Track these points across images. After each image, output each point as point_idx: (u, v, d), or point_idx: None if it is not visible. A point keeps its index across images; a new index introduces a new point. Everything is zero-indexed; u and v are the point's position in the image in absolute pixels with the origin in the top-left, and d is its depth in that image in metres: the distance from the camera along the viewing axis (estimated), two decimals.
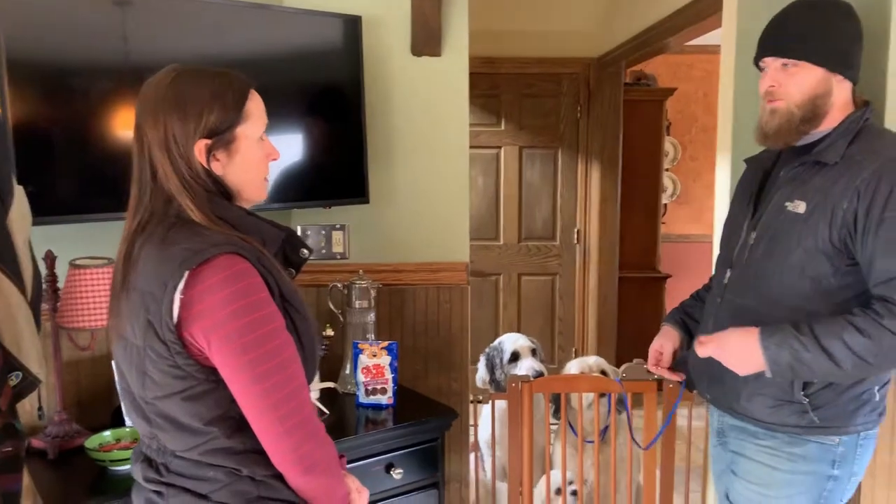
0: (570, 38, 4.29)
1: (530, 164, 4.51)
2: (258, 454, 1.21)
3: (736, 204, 1.76)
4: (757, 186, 1.67)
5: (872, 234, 1.42)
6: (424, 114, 2.48)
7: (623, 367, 2.31)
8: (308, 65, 2.26)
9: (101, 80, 1.87)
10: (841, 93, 1.53)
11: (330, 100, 2.32)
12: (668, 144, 5.73)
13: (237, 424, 1.20)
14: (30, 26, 1.76)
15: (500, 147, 4.48)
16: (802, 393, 1.52)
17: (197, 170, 1.22)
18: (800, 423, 1.54)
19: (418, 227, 2.52)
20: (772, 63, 1.56)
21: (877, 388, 1.54)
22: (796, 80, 1.52)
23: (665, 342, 1.86)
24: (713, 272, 1.84)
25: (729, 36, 2.51)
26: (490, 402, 2.67)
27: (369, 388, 2.14)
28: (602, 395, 2.56)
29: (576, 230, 4.56)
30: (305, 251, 1.37)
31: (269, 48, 2.17)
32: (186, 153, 1.21)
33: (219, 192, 1.25)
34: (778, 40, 1.55)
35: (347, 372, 2.27)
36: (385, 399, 2.14)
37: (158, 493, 1.23)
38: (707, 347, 1.53)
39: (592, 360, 2.70)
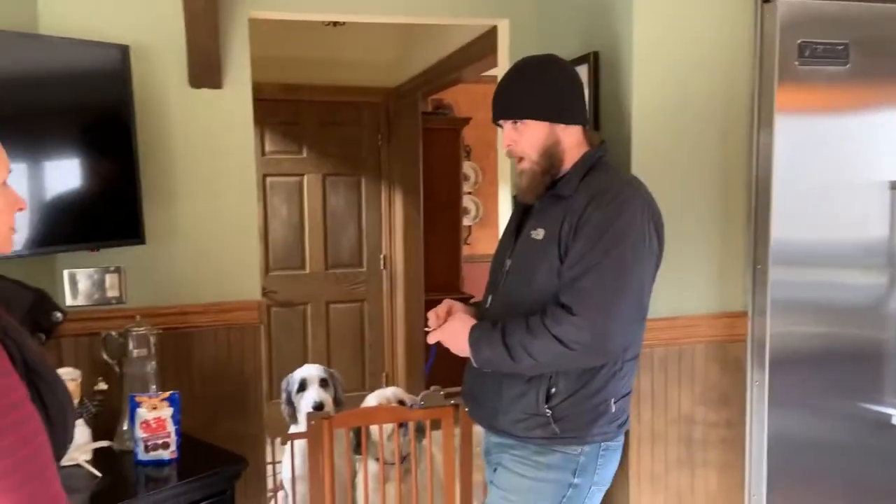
0: (369, 68, 4.35)
1: (334, 192, 4.49)
2: None
3: (502, 238, 1.90)
4: (518, 220, 1.82)
5: (571, 249, 1.61)
6: (207, 148, 2.37)
7: (421, 394, 2.36)
8: (73, 96, 2.07)
9: None
10: (569, 137, 1.72)
11: (98, 133, 2.14)
12: (469, 169, 5.97)
13: None
14: None
15: (302, 175, 4.42)
16: (546, 406, 1.65)
17: None
18: (545, 435, 1.67)
19: (205, 266, 2.39)
20: (505, 123, 1.74)
21: (612, 400, 1.68)
22: (526, 137, 1.70)
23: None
24: None
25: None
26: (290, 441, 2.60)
27: (149, 443, 1.99)
28: (401, 424, 2.59)
29: (382, 256, 4.60)
30: (59, 314, 1.30)
31: (29, 76, 1.97)
32: None
33: None
34: (504, 104, 1.74)
35: (125, 428, 2.09)
36: (167, 454, 2.00)
37: None
38: (434, 334, 1.72)
39: (390, 392, 2.71)
